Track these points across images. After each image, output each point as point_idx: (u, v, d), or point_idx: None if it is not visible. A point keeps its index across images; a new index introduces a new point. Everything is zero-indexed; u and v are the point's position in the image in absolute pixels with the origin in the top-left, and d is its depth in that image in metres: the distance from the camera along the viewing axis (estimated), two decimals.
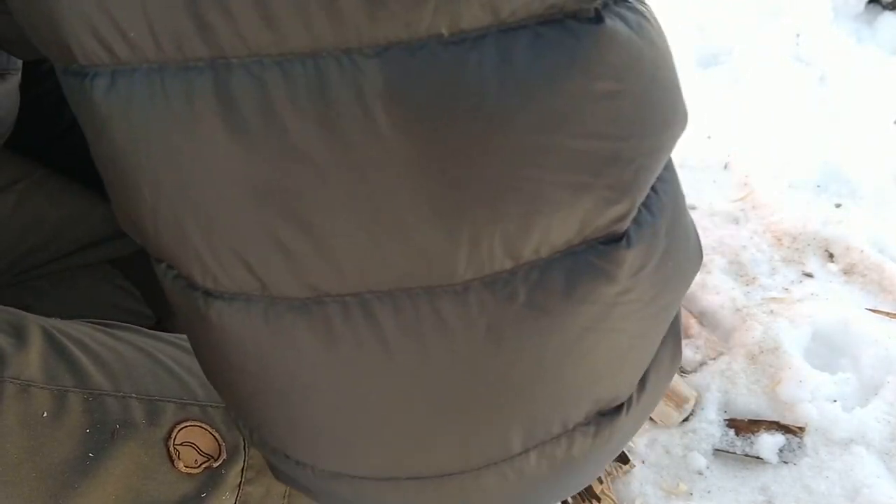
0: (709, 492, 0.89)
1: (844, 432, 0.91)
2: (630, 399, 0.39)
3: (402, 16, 0.27)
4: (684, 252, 0.38)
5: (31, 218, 0.74)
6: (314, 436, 0.38)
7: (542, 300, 0.33)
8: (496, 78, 0.28)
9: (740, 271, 1.11)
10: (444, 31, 0.28)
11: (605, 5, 0.30)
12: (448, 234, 0.30)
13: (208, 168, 0.30)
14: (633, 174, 0.32)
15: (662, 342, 0.40)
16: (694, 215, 1.18)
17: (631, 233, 0.33)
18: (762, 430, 0.92)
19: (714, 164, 1.27)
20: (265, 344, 0.34)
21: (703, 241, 1.17)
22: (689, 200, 1.20)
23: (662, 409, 0.94)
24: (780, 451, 0.91)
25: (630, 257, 0.33)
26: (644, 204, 0.34)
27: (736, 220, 1.18)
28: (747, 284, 1.09)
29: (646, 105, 0.32)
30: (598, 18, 0.29)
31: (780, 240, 1.15)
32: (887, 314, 1.03)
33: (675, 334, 0.42)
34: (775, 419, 0.93)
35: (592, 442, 0.39)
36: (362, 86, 0.28)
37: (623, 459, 0.89)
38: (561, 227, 0.31)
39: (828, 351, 1.00)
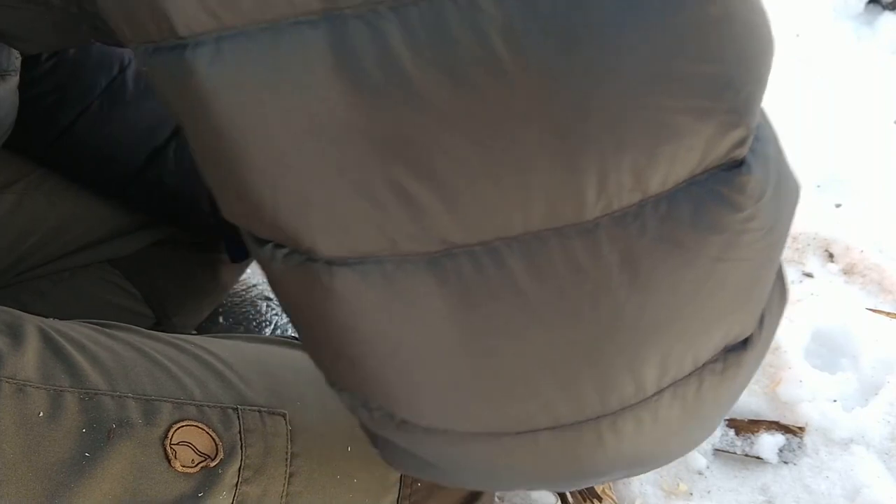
0: (709, 492, 0.88)
1: (845, 432, 0.91)
2: (753, 333, 0.39)
3: None
4: (790, 182, 0.38)
5: (30, 218, 0.75)
6: (448, 397, 0.37)
7: (671, 232, 0.32)
8: (614, 5, 0.28)
9: None
10: None
11: None
12: (576, 169, 0.30)
13: (328, 126, 0.29)
14: (746, 99, 0.32)
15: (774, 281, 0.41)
16: None
17: (749, 159, 0.33)
18: (762, 430, 0.92)
19: None
20: (395, 306, 0.34)
21: None
22: None
23: None
24: (781, 450, 0.90)
25: (752, 183, 0.33)
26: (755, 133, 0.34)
27: None
28: None
29: (751, 30, 0.32)
30: None
31: None
32: (888, 314, 1.03)
33: (781, 273, 0.42)
34: (775, 419, 0.93)
35: (720, 380, 0.39)
36: (481, 24, 0.27)
37: None
38: (686, 156, 0.31)
39: (828, 351, 1.00)
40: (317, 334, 0.38)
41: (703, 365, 0.38)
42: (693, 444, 0.47)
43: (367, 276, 0.33)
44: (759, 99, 0.33)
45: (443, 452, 0.41)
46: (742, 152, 0.33)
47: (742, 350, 0.39)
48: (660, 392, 0.38)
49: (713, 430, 0.46)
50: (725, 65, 0.31)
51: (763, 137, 0.34)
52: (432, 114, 0.29)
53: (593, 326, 0.35)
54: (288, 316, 0.39)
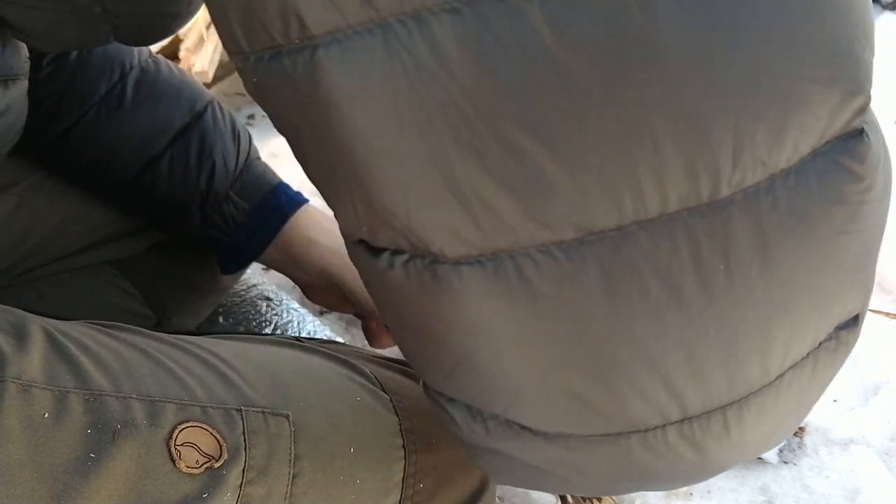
0: (709, 491, 0.88)
1: (845, 432, 0.91)
2: (861, 311, 0.40)
3: None
4: (889, 152, 0.38)
5: (32, 219, 0.75)
6: (576, 396, 0.37)
7: (800, 205, 0.33)
8: None
9: None
10: None
11: None
12: (711, 145, 0.30)
13: (465, 115, 0.29)
14: (866, 67, 0.33)
15: None
16: None
17: (865, 128, 0.34)
18: None
19: None
20: (526, 303, 0.34)
21: None
22: None
23: None
24: (780, 451, 0.90)
25: (872, 152, 0.34)
26: None
27: None
28: None
29: (863, 2, 0.33)
30: None
31: None
32: (887, 314, 1.03)
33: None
34: None
35: (832, 359, 0.39)
36: (648, 6, 0.28)
37: None
38: (813, 125, 0.32)
39: None
40: (435, 341, 0.37)
41: (819, 344, 0.38)
42: (790, 432, 0.46)
43: (499, 274, 0.33)
44: (872, 70, 0.34)
45: (562, 459, 0.40)
46: (862, 121, 0.33)
47: (853, 327, 0.39)
48: (781, 375, 0.38)
49: (810, 409, 0.46)
50: (847, 31, 0.31)
51: (870, 108, 0.35)
52: (574, 93, 0.29)
53: (726, 305, 0.34)
54: (392, 326, 0.39)
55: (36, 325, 0.47)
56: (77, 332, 0.49)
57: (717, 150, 0.31)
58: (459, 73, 0.29)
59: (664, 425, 0.38)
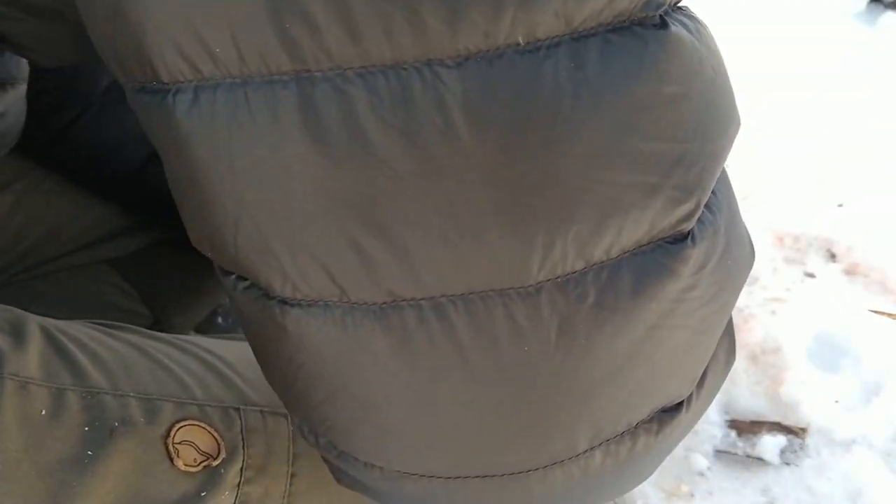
0: (710, 493, 0.88)
1: (846, 433, 0.91)
2: (690, 396, 0.40)
3: (482, 26, 0.28)
4: (741, 250, 0.38)
5: (29, 218, 0.74)
6: (385, 437, 0.38)
7: (611, 299, 0.33)
8: (570, 84, 0.29)
9: None
10: (521, 40, 0.29)
11: (667, 13, 0.31)
12: (523, 237, 0.31)
13: (292, 179, 0.30)
14: (699, 175, 0.33)
15: (718, 341, 0.41)
16: None
17: (695, 231, 0.34)
18: (764, 431, 0.92)
19: None
20: (341, 349, 0.35)
21: None
22: None
23: None
24: (782, 451, 0.91)
25: (695, 255, 0.34)
26: (706, 204, 0.35)
27: None
28: (749, 285, 1.09)
29: (709, 108, 0.33)
30: (663, 24, 0.30)
31: (781, 240, 1.15)
32: (889, 315, 1.03)
33: (729, 333, 0.42)
34: (777, 420, 0.93)
35: (655, 439, 0.40)
36: (444, 96, 0.29)
37: None
38: (632, 228, 0.32)
39: (830, 351, 1.00)
40: (270, 363, 0.39)
41: (638, 425, 0.39)
42: (627, 490, 0.48)
43: (317, 319, 0.34)
44: (715, 173, 0.34)
45: (380, 485, 0.42)
46: (689, 225, 0.33)
47: (677, 412, 0.40)
48: (591, 450, 0.38)
49: (649, 475, 0.48)
50: (678, 143, 0.32)
51: (716, 207, 0.35)
52: (391, 177, 0.30)
53: (528, 387, 0.35)
54: (248, 340, 0.41)
55: (34, 323, 0.47)
56: (75, 330, 0.49)
57: (528, 242, 0.31)
58: (288, 141, 0.30)
59: (465, 477, 0.40)
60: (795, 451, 0.91)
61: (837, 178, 1.24)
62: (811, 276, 1.10)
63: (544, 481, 0.39)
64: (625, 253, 0.33)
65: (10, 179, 0.74)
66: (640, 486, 0.88)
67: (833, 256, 1.12)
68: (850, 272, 1.10)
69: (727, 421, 0.94)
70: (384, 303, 0.33)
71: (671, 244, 0.33)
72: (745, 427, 0.93)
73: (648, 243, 0.33)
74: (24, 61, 0.56)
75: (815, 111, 1.37)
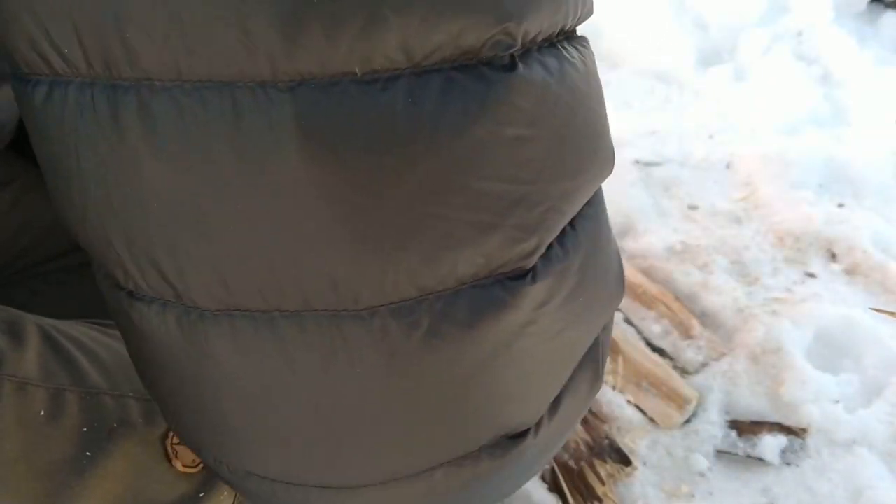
0: (711, 493, 0.88)
1: (847, 433, 0.91)
2: (540, 422, 0.40)
3: (317, 53, 0.28)
4: (599, 289, 0.38)
5: (26, 218, 0.74)
6: (225, 435, 0.39)
7: (444, 329, 0.33)
8: (406, 118, 0.29)
9: (742, 271, 1.11)
10: (357, 70, 0.28)
11: (527, 52, 0.31)
12: (353, 262, 0.31)
13: (129, 180, 0.31)
14: (542, 215, 0.33)
15: (580, 368, 0.41)
16: (696, 215, 1.17)
17: (539, 268, 0.34)
18: (764, 432, 0.92)
19: (716, 163, 1.27)
20: (180, 347, 0.35)
21: (706, 241, 1.17)
22: (691, 200, 1.20)
23: (664, 410, 0.93)
24: (783, 452, 0.90)
25: (533, 292, 0.34)
26: (558, 240, 0.34)
27: (738, 220, 1.18)
28: (749, 285, 1.09)
29: (558, 150, 0.32)
30: (511, 66, 0.30)
31: (782, 240, 1.14)
32: (890, 314, 1.03)
33: (593, 361, 0.42)
34: (777, 420, 0.93)
35: (501, 462, 0.39)
36: (274, 118, 0.29)
37: (625, 461, 0.89)
38: (467, 263, 0.32)
39: (830, 352, 1.00)
40: (129, 350, 0.40)
41: (480, 448, 0.39)
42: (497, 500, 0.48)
43: (158, 316, 0.34)
44: (565, 212, 0.34)
45: (231, 482, 0.42)
46: (529, 262, 0.33)
47: (522, 439, 0.39)
48: (431, 469, 0.38)
49: (513, 492, 0.47)
50: (519, 183, 0.31)
51: (571, 245, 0.35)
52: (221, 188, 0.30)
53: (360, 406, 0.35)
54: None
55: (31, 323, 0.47)
56: (73, 330, 0.49)
57: (359, 267, 0.31)
58: (127, 141, 0.30)
59: (305, 485, 0.40)
60: (796, 452, 0.91)
61: (838, 178, 1.24)
62: (812, 276, 1.10)
63: (386, 496, 0.39)
64: (462, 284, 0.33)
65: (9, 178, 0.74)
66: (640, 487, 0.88)
67: (834, 256, 1.12)
68: (850, 272, 1.10)
69: (727, 421, 0.94)
70: (217, 310, 0.33)
71: (510, 280, 0.33)
72: (746, 427, 0.93)
73: (487, 276, 0.33)
74: None
75: (817, 110, 1.37)
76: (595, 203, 0.37)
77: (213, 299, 0.33)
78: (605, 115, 0.36)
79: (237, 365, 0.34)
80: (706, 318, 1.05)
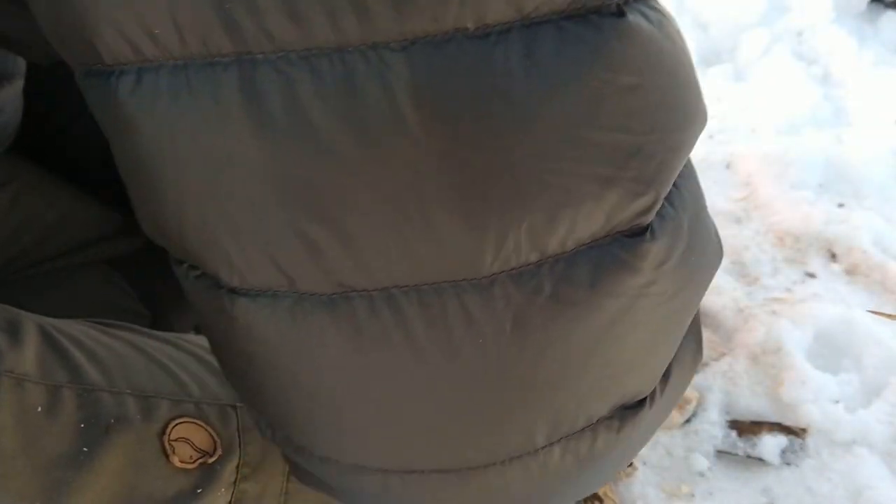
0: (711, 493, 0.88)
1: (847, 433, 0.91)
2: (654, 393, 0.40)
3: (429, 10, 0.27)
4: (706, 248, 0.38)
5: (26, 217, 0.74)
6: (339, 430, 0.38)
7: (567, 292, 0.33)
8: (521, 72, 0.28)
9: (742, 271, 1.11)
10: (470, 25, 0.28)
11: (626, 2, 0.30)
12: (474, 228, 0.31)
13: (234, 165, 0.30)
14: (657, 168, 0.32)
15: (685, 338, 0.41)
16: None
17: (655, 226, 0.33)
18: (764, 432, 0.92)
19: (716, 163, 1.27)
20: (291, 340, 0.34)
21: None
22: None
23: None
24: (783, 452, 0.90)
25: (654, 249, 0.33)
26: (667, 198, 0.34)
27: (738, 220, 1.18)
28: (749, 285, 1.09)
29: (668, 100, 0.32)
30: (620, 13, 0.30)
31: (782, 240, 1.14)
32: (890, 315, 1.02)
33: (696, 331, 0.42)
34: (777, 420, 0.93)
35: (616, 436, 0.39)
36: (389, 81, 0.28)
37: None
38: (587, 220, 0.32)
39: (830, 352, 1.00)
40: (224, 356, 0.39)
41: (598, 421, 0.38)
42: (591, 490, 0.47)
43: (266, 309, 0.33)
44: (675, 167, 0.33)
45: (337, 480, 0.42)
46: (647, 219, 0.33)
47: (639, 409, 0.39)
48: (550, 445, 0.38)
49: (613, 475, 0.47)
50: (634, 134, 0.31)
51: (679, 203, 0.35)
52: (336, 163, 0.29)
53: (483, 379, 0.35)
54: (204, 333, 0.40)
55: (30, 321, 0.47)
56: (71, 328, 0.49)
57: (481, 232, 0.31)
58: (230, 124, 0.29)
59: (422, 471, 0.39)
60: (796, 452, 0.90)
61: (838, 178, 1.24)
62: (812, 276, 1.10)
63: (503, 477, 0.39)
64: (581, 245, 0.32)
65: (9, 177, 0.74)
66: (640, 487, 0.88)
67: (834, 256, 1.12)
68: (850, 272, 1.10)
69: (727, 421, 0.94)
70: (334, 293, 0.32)
71: (629, 238, 0.33)
72: (746, 427, 0.93)
73: (605, 236, 0.33)
74: (20, 58, 0.56)
75: (817, 110, 1.37)
76: (689, 164, 0.37)
77: (329, 282, 0.32)
78: (695, 70, 0.36)
79: (354, 353, 0.34)
80: (706, 318, 1.05)
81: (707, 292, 1.11)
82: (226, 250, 0.32)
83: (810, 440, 0.91)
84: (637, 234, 0.33)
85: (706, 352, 0.99)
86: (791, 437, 0.91)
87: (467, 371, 0.34)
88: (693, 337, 0.42)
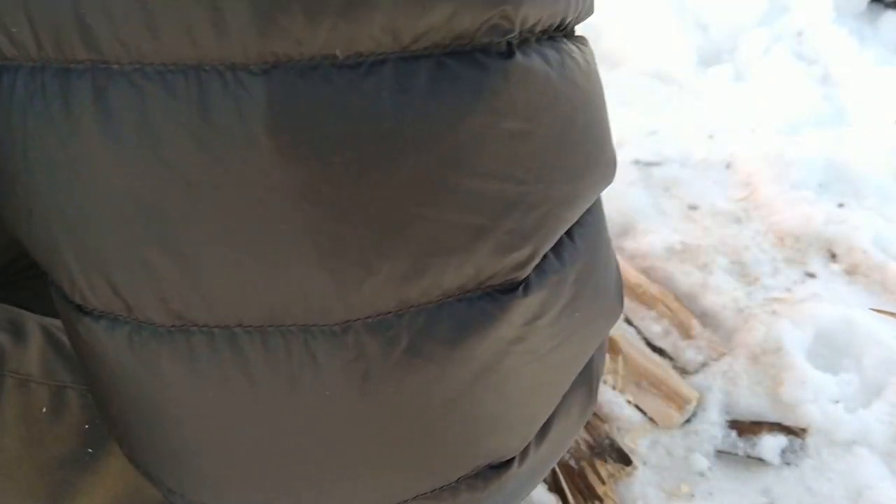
0: (710, 493, 0.88)
1: (847, 433, 0.91)
2: (526, 450, 0.37)
3: (294, 33, 0.26)
4: (596, 303, 0.36)
5: None
6: (178, 462, 0.36)
7: (427, 347, 0.31)
8: (393, 107, 0.27)
9: (742, 271, 1.11)
10: (339, 53, 0.26)
11: (525, 41, 0.28)
12: (330, 269, 0.29)
13: (81, 175, 0.28)
14: (539, 220, 0.30)
15: (572, 389, 0.38)
16: (696, 215, 1.17)
17: (531, 280, 0.31)
18: (764, 432, 0.91)
19: (716, 163, 1.27)
20: (130, 367, 0.32)
21: (706, 241, 1.16)
22: (691, 200, 1.20)
23: (664, 410, 0.93)
24: (783, 452, 0.90)
25: (525, 306, 0.31)
26: (553, 250, 0.32)
27: (738, 220, 1.18)
28: (749, 285, 1.09)
29: (559, 148, 0.30)
30: (509, 52, 0.28)
31: (782, 240, 1.14)
32: (890, 314, 1.02)
33: (587, 381, 0.39)
34: (777, 420, 0.93)
35: (481, 495, 0.37)
36: (244, 105, 0.26)
37: (625, 461, 0.89)
38: (455, 272, 0.30)
39: (830, 352, 1.00)
40: (81, 364, 0.37)
41: (459, 480, 0.36)
42: None
43: (106, 332, 0.32)
44: (564, 219, 0.32)
45: None
46: (523, 274, 0.31)
47: (506, 469, 0.37)
48: (404, 503, 0.36)
49: None
50: (516, 183, 0.29)
51: (568, 256, 0.33)
52: (182, 184, 0.27)
53: (330, 431, 0.33)
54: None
55: (33, 321, 0.47)
56: None
57: (336, 276, 0.29)
58: (83, 133, 0.28)
59: None
60: (796, 452, 0.90)
61: (838, 178, 1.24)
62: (812, 276, 1.10)
63: None
64: (447, 297, 0.30)
65: None
66: (640, 487, 0.88)
67: (834, 256, 1.12)
68: (850, 272, 1.10)
69: (727, 421, 0.94)
70: (173, 325, 0.30)
71: (500, 293, 0.31)
72: (746, 427, 0.93)
73: (475, 288, 0.30)
74: None
75: (817, 110, 1.37)
76: (595, 211, 0.35)
77: (168, 313, 0.30)
78: (608, 119, 0.34)
79: (194, 388, 0.32)
80: (706, 318, 1.05)
81: (707, 292, 1.10)
82: (68, 267, 0.31)
83: (810, 440, 0.91)
84: (510, 288, 0.31)
85: (706, 352, 0.99)
86: (791, 437, 0.91)
87: (312, 421, 0.32)
88: (584, 388, 0.39)
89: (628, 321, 1.03)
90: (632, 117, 1.38)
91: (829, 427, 0.91)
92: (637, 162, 1.29)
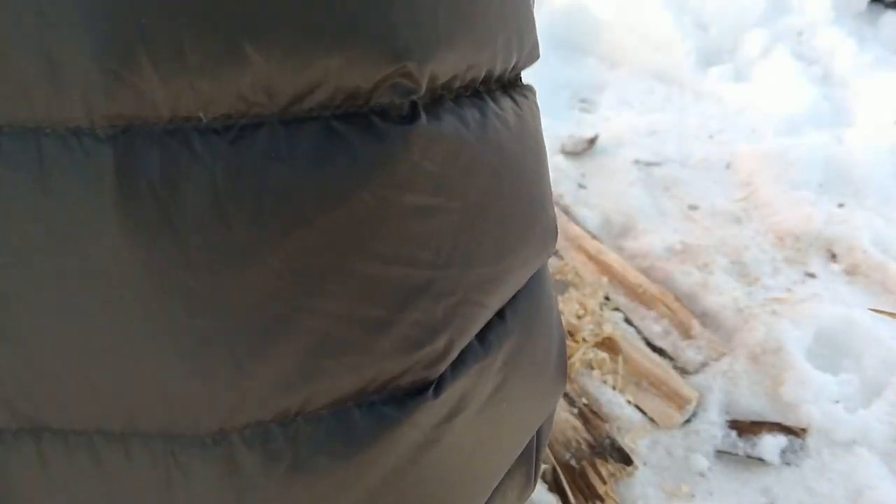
0: (711, 493, 0.88)
1: (847, 433, 0.91)
2: None
3: (145, 92, 0.22)
4: (534, 383, 0.32)
5: None
6: None
7: (316, 462, 0.26)
8: (269, 178, 0.23)
9: (742, 271, 1.11)
10: (203, 115, 0.22)
11: (438, 100, 0.24)
12: (194, 373, 0.25)
13: None
14: (452, 309, 0.26)
15: (508, 474, 0.34)
16: (696, 215, 1.17)
17: (447, 376, 0.27)
18: (764, 432, 0.91)
19: (716, 163, 1.27)
20: None
21: (706, 242, 1.16)
22: (691, 200, 1.20)
23: (664, 410, 0.93)
24: (783, 452, 0.90)
25: (436, 408, 0.27)
26: (479, 336, 0.28)
27: (738, 220, 1.18)
28: (749, 285, 1.09)
29: (478, 225, 0.26)
30: (412, 115, 0.24)
31: (782, 240, 1.14)
32: (890, 314, 1.02)
33: (525, 464, 0.35)
34: (777, 420, 0.93)
35: None
36: (89, 175, 0.23)
37: (626, 460, 0.89)
38: (350, 375, 0.25)
39: (830, 352, 1.00)
40: None
41: None
42: None
43: None
44: (486, 305, 0.27)
45: None
46: (436, 372, 0.27)
47: None
48: None
49: None
50: (421, 268, 0.25)
51: (492, 340, 0.28)
52: (26, 271, 0.24)
53: None
54: None
55: None
56: None
57: (204, 381, 0.25)
58: None
59: None
60: (796, 452, 0.90)
61: (838, 178, 1.24)
62: (812, 276, 1.10)
63: None
64: (342, 403, 0.26)
65: None
66: (640, 487, 0.88)
67: (834, 256, 1.12)
68: (850, 272, 1.10)
69: (727, 421, 0.94)
70: (19, 428, 0.26)
71: (407, 395, 0.26)
72: (746, 427, 0.93)
73: (376, 392, 0.26)
74: None
75: (817, 110, 1.37)
76: (539, 278, 0.31)
77: (13, 415, 0.26)
78: (547, 181, 0.29)
79: (48, 496, 0.27)
80: (706, 318, 1.05)
81: (707, 292, 1.10)
82: None
83: (810, 440, 0.91)
84: (419, 390, 0.27)
85: (706, 352, 0.99)
86: (791, 437, 0.91)
87: None
88: (520, 470, 0.35)
89: (628, 321, 1.03)
90: (632, 117, 1.38)
91: (829, 427, 0.91)
92: (637, 162, 1.29)
